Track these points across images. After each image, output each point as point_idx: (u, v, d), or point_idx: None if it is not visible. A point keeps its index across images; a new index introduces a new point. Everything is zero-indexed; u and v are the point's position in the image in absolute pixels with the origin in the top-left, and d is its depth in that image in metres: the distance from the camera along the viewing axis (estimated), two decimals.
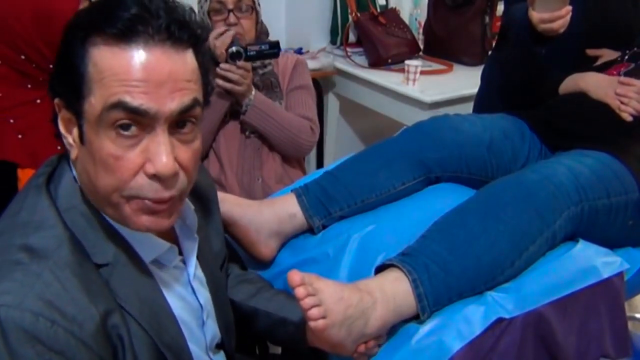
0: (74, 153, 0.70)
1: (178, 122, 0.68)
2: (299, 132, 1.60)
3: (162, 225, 0.71)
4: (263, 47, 1.48)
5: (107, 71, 0.64)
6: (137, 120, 0.65)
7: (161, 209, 0.69)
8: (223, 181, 1.61)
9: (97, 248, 0.70)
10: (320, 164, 2.49)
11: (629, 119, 1.22)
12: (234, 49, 1.43)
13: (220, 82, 1.46)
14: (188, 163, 0.70)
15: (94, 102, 0.64)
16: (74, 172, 0.72)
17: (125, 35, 0.64)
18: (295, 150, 1.64)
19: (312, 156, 2.51)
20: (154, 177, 0.66)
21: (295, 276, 0.78)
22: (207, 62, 0.73)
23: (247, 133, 1.61)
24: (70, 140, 0.70)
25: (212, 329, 0.89)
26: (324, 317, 0.79)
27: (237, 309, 1.00)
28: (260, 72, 1.61)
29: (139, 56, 0.64)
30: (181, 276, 0.82)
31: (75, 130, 0.69)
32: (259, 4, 1.58)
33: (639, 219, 1.07)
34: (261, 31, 1.61)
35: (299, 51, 2.38)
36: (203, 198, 0.94)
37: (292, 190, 1.15)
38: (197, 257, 0.85)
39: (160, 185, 0.67)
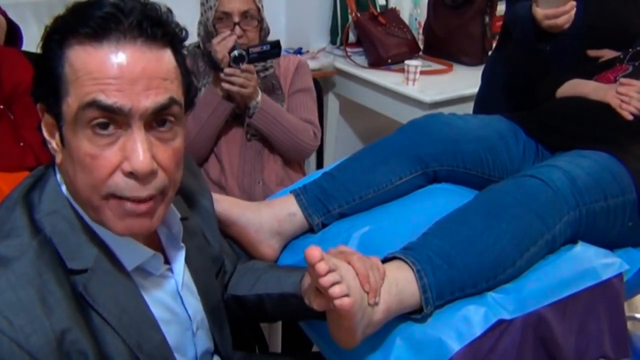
0: (58, 157, 0.70)
1: (157, 120, 0.68)
2: (302, 136, 1.61)
3: (144, 227, 0.70)
4: (264, 47, 1.49)
5: (82, 70, 0.64)
6: (113, 119, 0.65)
7: (141, 210, 0.68)
8: (223, 184, 1.61)
9: (77, 253, 0.69)
10: (320, 164, 2.49)
11: (630, 117, 1.22)
12: (236, 52, 1.44)
13: (226, 86, 1.46)
14: (167, 162, 0.69)
15: (71, 103, 0.65)
16: (59, 177, 0.72)
17: (98, 33, 0.64)
18: (298, 153, 1.65)
19: (312, 157, 2.51)
20: (131, 175, 0.66)
21: (314, 251, 0.72)
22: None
23: (248, 136, 1.61)
24: (54, 145, 0.70)
25: (204, 340, 0.88)
26: (347, 295, 0.73)
27: (245, 302, 0.98)
28: (262, 75, 1.61)
29: (111, 54, 0.64)
30: (168, 286, 0.81)
31: (57, 134, 0.69)
32: (263, 11, 1.58)
33: (638, 220, 1.07)
34: (264, 35, 1.61)
35: (299, 51, 2.38)
36: (197, 205, 0.93)
37: (290, 191, 1.16)
38: (187, 266, 0.84)
39: (137, 184, 0.67)
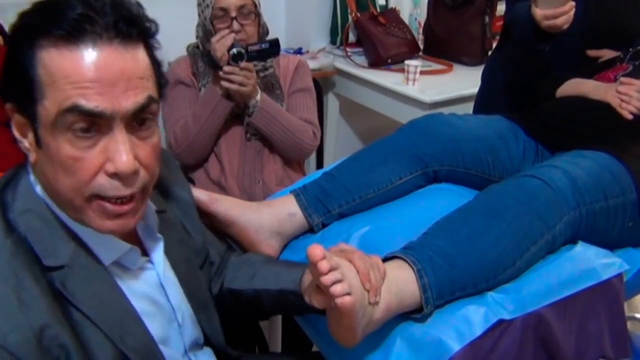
0: (32, 157, 0.69)
1: (136, 120, 0.68)
2: (301, 136, 1.61)
3: (128, 226, 0.72)
4: (263, 46, 1.49)
5: (58, 74, 0.63)
6: (94, 122, 0.65)
7: (124, 210, 0.70)
8: (223, 183, 1.61)
9: (53, 250, 0.69)
10: (320, 164, 2.49)
11: (629, 117, 1.22)
12: (234, 50, 1.44)
13: (225, 84, 1.46)
14: (148, 159, 0.70)
15: (48, 106, 0.64)
16: (31, 175, 0.72)
17: (73, 35, 0.63)
18: (297, 153, 1.65)
19: (312, 157, 2.51)
20: (115, 175, 0.67)
21: (316, 250, 0.72)
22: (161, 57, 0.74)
23: (248, 135, 1.62)
24: (27, 144, 0.69)
25: (191, 330, 0.88)
26: (349, 294, 0.74)
27: (242, 297, 0.99)
28: (262, 74, 1.61)
29: (88, 56, 0.63)
30: (149, 278, 0.81)
31: (30, 134, 0.68)
32: (260, 7, 1.58)
33: (638, 220, 1.07)
34: (263, 33, 1.61)
35: (299, 51, 2.38)
36: (174, 197, 0.93)
37: (290, 191, 1.16)
38: (167, 258, 0.84)
39: (120, 184, 0.68)
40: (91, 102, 0.63)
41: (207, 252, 0.99)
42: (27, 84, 0.65)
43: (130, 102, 0.66)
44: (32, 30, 0.65)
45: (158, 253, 0.82)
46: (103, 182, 0.67)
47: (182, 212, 0.93)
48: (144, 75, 0.68)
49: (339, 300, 0.73)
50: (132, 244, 0.77)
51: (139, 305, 0.76)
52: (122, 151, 0.66)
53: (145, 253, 0.81)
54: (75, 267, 0.70)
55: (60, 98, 0.63)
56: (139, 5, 0.70)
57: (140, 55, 0.68)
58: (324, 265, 0.72)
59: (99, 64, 0.64)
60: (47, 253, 0.68)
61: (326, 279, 0.73)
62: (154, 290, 0.81)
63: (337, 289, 0.73)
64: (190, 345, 0.88)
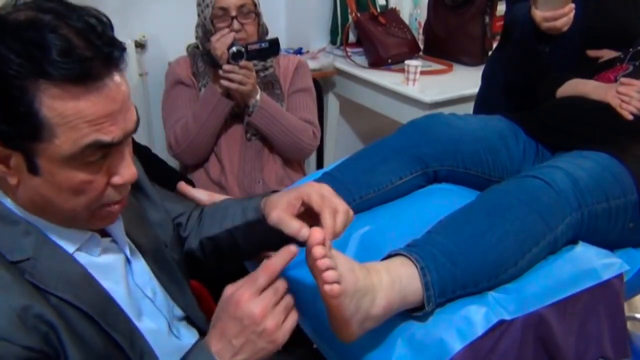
0: (13, 180, 0.69)
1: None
2: (301, 136, 1.61)
3: (117, 217, 0.79)
4: (263, 45, 1.50)
5: (73, 115, 0.65)
6: (109, 150, 0.69)
7: (120, 208, 0.76)
8: (223, 183, 1.61)
9: (14, 245, 0.70)
10: (320, 164, 2.49)
11: (630, 117, 1.22)
12: (234, 49, 1.45)
13: (225, 83, 1.47)
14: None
15: (60, 143, 0.65)
16: None
17: (81, 79, 0.64)
18: (297, 153, 1.65)
19: (312, 157, 2.51)
20: (121, 185, 0.73)
21: (317, 233, 0.75)
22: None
23: (248, 135, 1.62)
24: (3, 168, 0.68)
25: (166, 303, 0.89)
26: (338, 282, 0.75)
27: (220, 242, 1.00)
28: (262, 74, 1.61)
29: (99, 94, 0.66)
30: (114, 257, 0.82)
31: (16, 161, 0.68)
32: (260, 6, 1.59)
33: (639, 220, 1.07)
34: (263, 32, 1.62)
35: (299, 51, 2.38)
36: None
37: None
38: (129, 236, 0.85)
39: (123, 189, 0.74)
40: (109, 135, 0.67)
41: (172, 221, 1.01)
42: (28, 124, 0.64)
43: (131, 122, 0.71)
44: (25, 74, 0.63)
45: (119, 232, 0.84)
46: (110, 193, 0.73)
47: (134, 187, 0.93)
48: (130, 92, 0.72)
49: (327, 287, 0.75)
50: (92, 230, 0.78)
51: (110, 286, 0.78)
52: (130, 165, 0.72)
53: (106, 234, 0.83)
54: (40, 258, 0.71)
55: (76, 136, 0.66)
56: (110, 22, 0.71)
57: (124, 75, 0.70)
58: (319, 251, 0.75)
59: (108, 99, 0.67)
60: (9, 249, 0.69)
61: (321, 263, 0.75)
62: (121, 268, 0.82)
63: (329, 274, 0.75)
64: (172, 317, 0.89)
